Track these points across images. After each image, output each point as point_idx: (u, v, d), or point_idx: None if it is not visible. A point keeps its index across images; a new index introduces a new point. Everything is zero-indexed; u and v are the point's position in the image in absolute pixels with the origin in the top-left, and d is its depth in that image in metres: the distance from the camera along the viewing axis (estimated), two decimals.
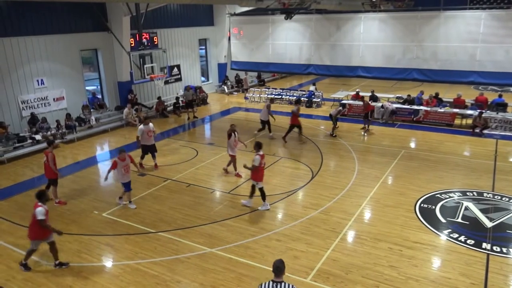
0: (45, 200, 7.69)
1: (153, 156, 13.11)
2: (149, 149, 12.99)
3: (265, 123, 15.74)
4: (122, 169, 10.09)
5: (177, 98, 21.15)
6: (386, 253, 8.18)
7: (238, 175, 12.26)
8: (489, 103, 18.24)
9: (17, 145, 14.69)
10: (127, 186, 10.36)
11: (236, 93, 25.99)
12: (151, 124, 12.88)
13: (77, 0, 15.69)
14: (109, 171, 10.19)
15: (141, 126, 12.77)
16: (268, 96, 23.11)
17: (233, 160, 12.20)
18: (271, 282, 5.13)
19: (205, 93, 23.45)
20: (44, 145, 15.05)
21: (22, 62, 15.50)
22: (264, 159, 9.90)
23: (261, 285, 5.16)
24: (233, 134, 12.02)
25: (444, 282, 7.29)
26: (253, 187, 10.12)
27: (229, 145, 12.07)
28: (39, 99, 16.23)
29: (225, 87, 26.04)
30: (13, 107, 15.43)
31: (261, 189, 10.03)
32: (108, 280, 7.59)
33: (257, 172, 9.81)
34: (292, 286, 5.12)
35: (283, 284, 5.10)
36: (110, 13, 18.33)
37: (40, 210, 7.46)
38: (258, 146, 9.90)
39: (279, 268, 5.13)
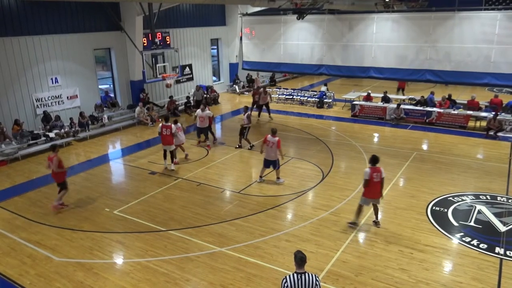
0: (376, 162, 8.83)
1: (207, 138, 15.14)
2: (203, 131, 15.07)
3: None
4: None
5: (188, 98, 21.28)
6: (397, 256, 8.12)
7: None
8: (504, 105, 17.95)
9: (31, 142, 14.90)
10: (276, 164, 11.59)
11: (247, 93, 25.97)
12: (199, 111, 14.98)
13: None
14: (279, 149, 11.31)
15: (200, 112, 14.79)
16: (280, 96, 23.11)
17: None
18: (295, 274, 5.08)
19: (216, 93, 23.53)
20: (59, 142, 15.36)
21: (37, 61, 15.74)
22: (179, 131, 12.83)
23: (285, 278, 5.08)
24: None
25: (455, 286, 7.19)
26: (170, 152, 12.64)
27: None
28: (53, 97, 16.46)
29: (236, 87, 26.09)
30: (27, 104, 15.68)
31: (171, 151, 12.63)
32: (118, 277, 7.67)
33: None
34: (316, 275, 5.08)
35: (307, 274, 5.07)
36: (124, 12, 18.52)
37: (368, 171, 8.72)
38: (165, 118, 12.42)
39: (302, 258, 5.09)
